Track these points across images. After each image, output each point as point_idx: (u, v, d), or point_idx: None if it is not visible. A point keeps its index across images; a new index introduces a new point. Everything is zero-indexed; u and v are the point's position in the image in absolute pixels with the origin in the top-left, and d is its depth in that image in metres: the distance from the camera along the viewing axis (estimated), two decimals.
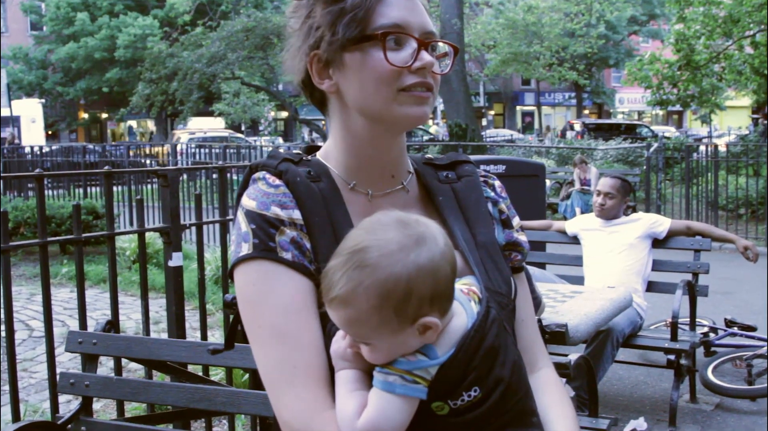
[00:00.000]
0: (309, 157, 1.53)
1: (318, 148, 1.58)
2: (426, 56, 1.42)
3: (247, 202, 1.42)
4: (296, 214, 1.41)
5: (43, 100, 37.43)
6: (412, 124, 1.45)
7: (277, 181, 1.44)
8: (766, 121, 26.38)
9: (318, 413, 1.32)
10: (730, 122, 42.96)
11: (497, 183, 1.66)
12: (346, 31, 1.41)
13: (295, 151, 1.53)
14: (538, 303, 3.95)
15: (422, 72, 1.42)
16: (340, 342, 1.32)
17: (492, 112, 55.05)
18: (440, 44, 1.49)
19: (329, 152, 1.53)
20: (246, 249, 1.39)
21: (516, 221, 1.64)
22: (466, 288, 1.38)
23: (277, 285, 1.37)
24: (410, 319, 1.25)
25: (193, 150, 18.39)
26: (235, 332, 1.58)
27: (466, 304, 1.35)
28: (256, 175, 1.47)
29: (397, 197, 1.53)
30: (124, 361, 4.18)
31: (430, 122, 37.84)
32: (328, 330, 1.36)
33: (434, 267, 1.26)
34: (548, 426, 1.48)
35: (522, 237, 1.63)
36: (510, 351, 1.38)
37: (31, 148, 19.49)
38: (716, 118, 31.08)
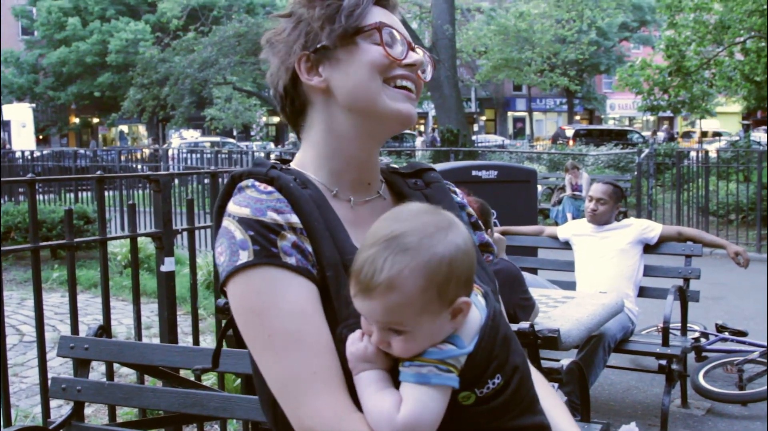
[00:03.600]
0: (287, 167, 1.51)
1: (287, 161, 1.57)
2: (416, 55, 1.50)
3: (238, 209, 1.38)
4: (294, 218, 1.38)
5: (33, 105, 37.32)
6: (402, 122, 1.48)
7: (269, 188, 1.41)
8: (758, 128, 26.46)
9: (346, 415, 1.30)
10: (721, 128, 43.10)
11: (458, 189, 1.72)
12: (347, 20, 1.45)
13: (270, 162, 1.51)
14: (532, 305, 3.96)
15: (411, 68, 1.49)
16: (358, 343, 1.31)
17: (483, 118, 55.12)
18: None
19: (305, 162, 1.53)
20: (246, 257, 1.34)
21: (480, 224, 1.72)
22: None
23: (285, 291, 1.34)
24: (449, 301, 1.27)
25: (184, 155, 18.38)
26: (220, 351, 1.57)
27: (473, 297, 1.36)
28: (243, 183, 1.43)
29: (377, 205, 1.54)
30: (115, 366, 4.17)
31: None
32: (338, 333, 1.35)
33: (468, 248, 1.31)
34: (551, 417, 1.50)
35: (490, 239, 1.71)
36: (516, 341, 1.42)
37: (22, 152, 19.44)
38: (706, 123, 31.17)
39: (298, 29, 1.49)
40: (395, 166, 1.67)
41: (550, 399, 1.57)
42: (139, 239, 4.30)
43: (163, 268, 4.11)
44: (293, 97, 1.53)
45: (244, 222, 1.36)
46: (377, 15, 1.49)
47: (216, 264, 1.43)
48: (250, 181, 1.42)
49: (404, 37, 1.50)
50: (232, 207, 1.39)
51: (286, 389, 1.33)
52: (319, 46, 1.47)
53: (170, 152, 19.99)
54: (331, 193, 1.49)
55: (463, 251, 1.29)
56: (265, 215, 1.36)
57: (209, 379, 4.58)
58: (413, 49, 1.51)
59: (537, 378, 1.58)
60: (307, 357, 1.32)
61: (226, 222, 1.39)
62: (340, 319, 1.35)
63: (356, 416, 1.29)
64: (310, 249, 1.38)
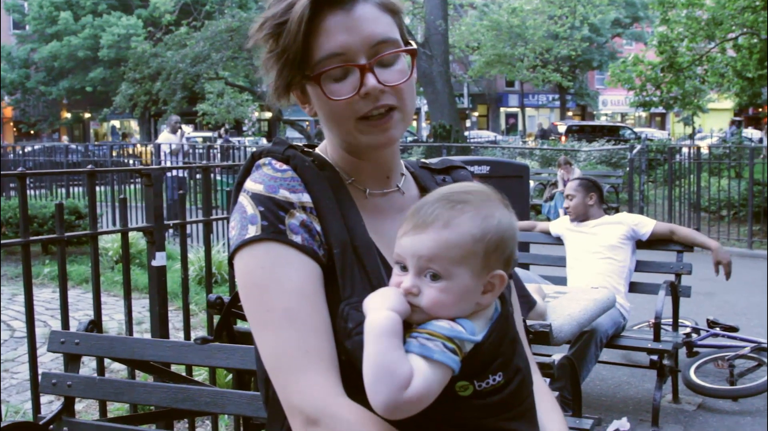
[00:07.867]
0: (310, 150, 1.54)
1: (314, 146, 1.59)
2: (370, 81, 1.38)
3: (253, 185, 1.41)
4: (305, 197, 1.40)
5: None
6: (379, 150, 1.46)
7: (284, 166, 1.43)
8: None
9: (332, 397, 1.30)
10: (713, 124, 43.17)
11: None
12: (287, 76, 1.44)
13: (295, 144, 1.53)
14: (531, 305, 3.95)
15: (372, 97, 1.39)
16: (398, 279, 1.32)
17: (476, 114, 55.14)
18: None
19: (327, 149, 1.54)
20: (253, 231, 1.36)
21: None
22: None
23: (287, 268, 1.35)
24: (489, 267, 1.30)
25: None
26: (226, 323, 1.57)
27: None
28: (261, 161, 1.46)
29: (394, 198, 1.54)
30: (106, 361, 4.16)
31: None
32: (340, 310, 1.35)
33: (516, 232, 1.35)
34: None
35: None
36: (523, 346, 1.43)
37: (13, 147, 19.37)
38: (698, 120, 31.22)
39: (271, 59, 1.46)
40: (426, 161, 1.68)
41: (551, 414, 1.55)
42: (130, 234, 4.29)
43: (155, 263, 4.10)
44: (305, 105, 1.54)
45: (256, 197, 1.39)
46: (325, 35, 1.38)
47: (229, 238, 1.45)
48: (267, 159, 1.46)
49: (355, 61, 1.38)
50: (248, 183, 1.43)
51: (278, 365, 1.34)
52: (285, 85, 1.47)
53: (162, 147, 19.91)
54: (347, 181, 1.50)
55: (514, 230, 1.33)
56: (277, 192, 1.39)
57: (200, 374, 4.58)
58: (370, 68, 1.39)
59: (541, 389, 1.58)
60: (300, 336, 1.33)
61: (241, 198, 1.42)
62: (343, 297, 1.36)
63: (342, 400, 1.30)
64: (318, 229, 1.40)
